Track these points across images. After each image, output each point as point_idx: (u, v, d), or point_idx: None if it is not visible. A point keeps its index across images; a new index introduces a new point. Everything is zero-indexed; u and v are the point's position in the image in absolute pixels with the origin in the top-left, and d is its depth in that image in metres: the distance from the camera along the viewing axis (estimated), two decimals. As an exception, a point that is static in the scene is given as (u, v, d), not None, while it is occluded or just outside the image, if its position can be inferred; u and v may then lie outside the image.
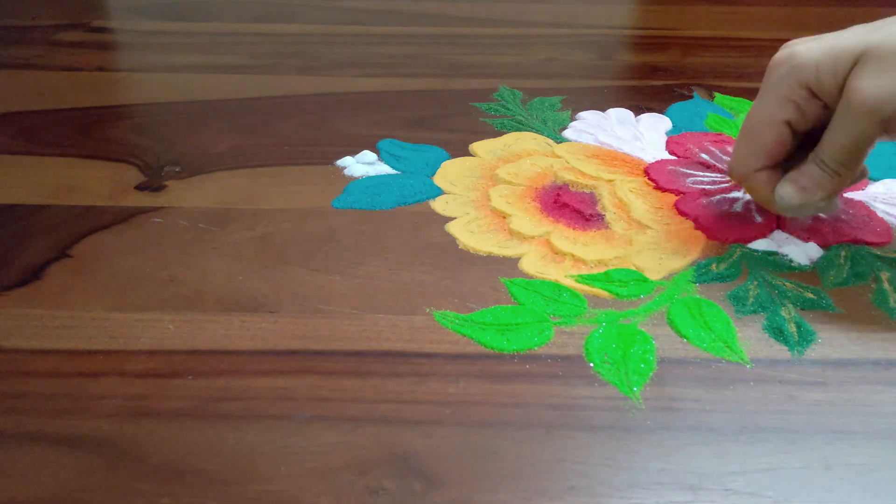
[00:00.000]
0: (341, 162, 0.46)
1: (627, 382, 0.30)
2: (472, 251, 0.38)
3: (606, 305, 0.34)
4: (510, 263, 0.37)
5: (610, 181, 0.44)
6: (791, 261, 0.37)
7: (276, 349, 0.31)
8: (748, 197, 0.42)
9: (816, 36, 0.35)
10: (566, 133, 0.50)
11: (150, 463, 0.26)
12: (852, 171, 0.35)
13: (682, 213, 0.41)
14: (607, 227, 0.40)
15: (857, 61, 0.33)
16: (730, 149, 0.48)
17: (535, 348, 0.32)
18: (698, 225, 0.40)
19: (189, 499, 0.25)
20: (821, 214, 0.40)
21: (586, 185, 0.43)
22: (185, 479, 0.26)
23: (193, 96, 0.56)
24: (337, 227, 0.40)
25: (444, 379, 0.30)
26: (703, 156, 0.47)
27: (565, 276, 0.36)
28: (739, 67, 0.62)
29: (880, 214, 0.41)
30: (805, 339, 0.32)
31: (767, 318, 0.34)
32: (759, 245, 0.38)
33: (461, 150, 0.48)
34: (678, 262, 0.37)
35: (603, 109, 0.53)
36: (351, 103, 0.55)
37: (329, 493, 0.25)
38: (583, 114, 0.53)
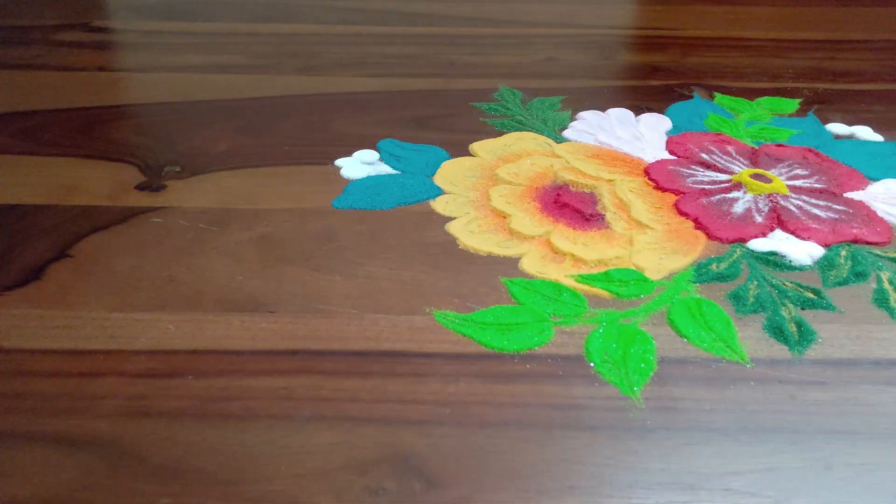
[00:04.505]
0: (341, 162, 0.46)
1: (627, 382, 0.30)
2: (472, 251, 0.38)
3: (606, 305, 0.34)
4: (510, 263, 0.37)
5: (610, 181, 0.44)
6: (791, 260, 0.37)
7: (276, 349, 0.31)
8: (748, 196, 0.42)
9: None
10: (566, 133, 0.50)
11: (150, 463, 0.26)
12: None
13: (682, 213, 0.41)
14: (607, 227, 0.40)
15: None
16: (729, 148, 0.48)
17: (535, 348, 0.32)
18: (698, 225, 0.40)
19: (189, 499, 0.25)
20: None
21: (586, 185, 0.43)
22: (185, 479, 0.26)
23: (193, 96, 0.56)
24: (337, 227, 0.40)
25: (444, 379, 0.30)
26: (703, 156, 0.47)
27: (565, 276, 0.36)
28: (739, 67, 0.62)
29: (880, 214, 0.41)
30: (805, 339, 0.32)
31: (767, 318, 0.33)
32: (759, 245, 0.38)
33: (461, 150, 0.48)
34: (678, 262, 0.37)
35: (603, 109, 0.53)
36: (351, 103, 0.55)
37: (329, 493, 0.25)
38: (583, 114, 0.53)
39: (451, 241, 0.39)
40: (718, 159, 0.46)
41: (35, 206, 0.41)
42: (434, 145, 0.48)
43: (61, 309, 0.34)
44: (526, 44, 0.67)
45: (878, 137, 0.51)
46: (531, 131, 0.50)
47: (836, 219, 0.40)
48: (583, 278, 0.36)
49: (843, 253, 0.38)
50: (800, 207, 0.41)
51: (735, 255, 0.38)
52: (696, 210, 0.41)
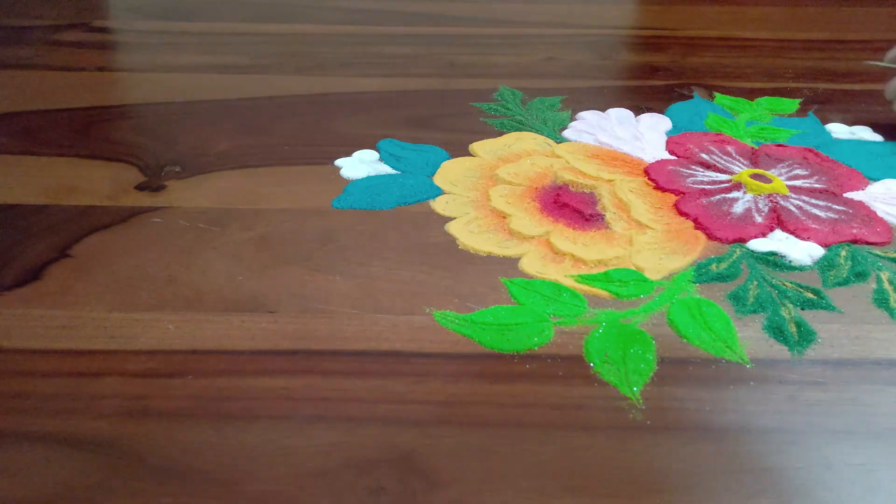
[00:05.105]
0: (341, 162, 0.46)
1: (627, 382, 0.30)
2: (472, 251, 0.38)
3: (606, 305, 0.34)
4: (510, 263, 0.37)
5: (610, 181, 0.44)
6: (791, 261, 0.37)
7: (276, 349, 0.31)
8: (748, 197, 0.42)
9: None
10: (566, 133, 0.50)
11: (150, 463, 0.26)
12: None
13: (682, 213, 0.41)
14: (607, 227, 0.40)
15: None
16: (729, 148, 0.48)
17: (535, 348, 0.32)
18: (698, 225, 0.40)
19: (189, 499, 0.25)
20: None
21: (586, 185, 0.43)
22: (185, 479, 0.26)
23: (193, 96, 0.56)
24: (337, 227, 0.40)
25: (444, 379, 0.30)
26: (703, 156, 0.47)
27: (565, 276, 0.36)
28: (739, 67, 0.62)
29: (880, 214, 0.41)
30: (805, 339, 0.32)
31: (767, 318, 0.34)
32: (759, 245, 0.38)
33: (461, 150, 0.48)
34: (678, 262, 0.37)
35: (603, 109, 0.53)
36: (351, 103, 0.55)
37: (329, 493, 0.25)
38: (583, 114, 0.53)
39: (451, 241, 0.39)
40: (718, 159, 0.46)
41: (35, 206, 0.41)
42: (434, 145, 0.48)
43: (61, 309, 0.34)
44: (526, 44, 0.67)
45: (878, 137, 0.51)
46: (531, 131, 0.50)
47: (835, 219, 0.40)
48: (583, 278, 0.36)
49: (843, 253, 0.38)
50: (800, 207, 0.41)
51: (735, 256, 0.38)
52: (696, 210, 0.41)
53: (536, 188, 0.43)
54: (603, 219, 0.40)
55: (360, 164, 0.46)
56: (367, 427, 0.28)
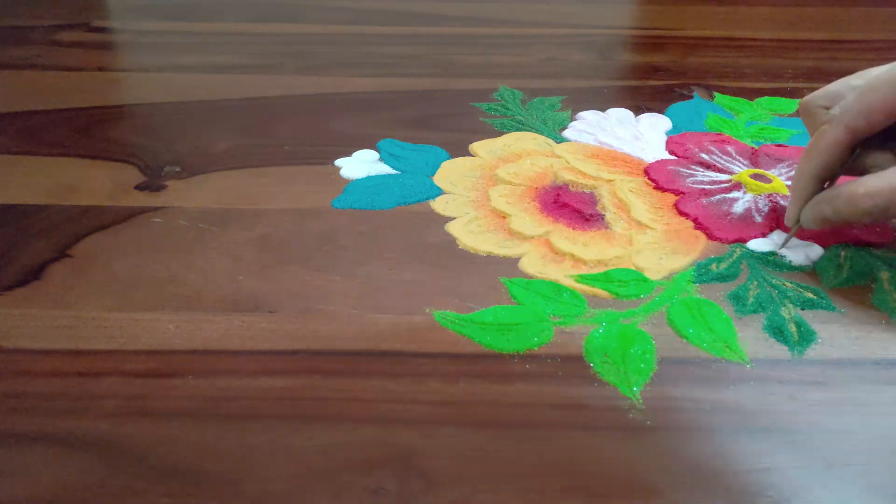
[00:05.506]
0: (341, 162, 0.46)
1: (627, 382, 0.30)
2: (472, 251, 0.38)
3: (606, 305, 0.34)
4: (510, 263, 0.37)
5: (610, 181, 0.44)
6: (791, 261, 0.37)
7: (276, 349, 0.31)
8: (748, 196, 0.42)
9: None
10: (566, 133, 0.50)
11: (150, 463, 0.26)
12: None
13: (682, 213, 0.41)
14: (607, 227, 0.40)
15: None
16: (729, 148, 0.48)
17: (535, 348, 0.32)
18: (698, 225, 0.40)
19: (189, 499, 0.25)
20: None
21: (586, 185, 0.43)
22: (185, 479, 0.26)
23: (193, 96, 0.56)
24: (337, 227, 0.40)
25: (444, 379, 0.30)
26: (703, 156, 0.47)
27: (565, 276, 0.36)
28: (739, 67, 0.62)
29: (880, 214, 0.41)
30: (805, 339, 0.32)
31: (767, 318, 0.33)
32: (759, 245, 0.38)
33: (461, 150, 0.48)
34: (678, 262, 0.37)
35: (603, 109, 0.53)
36: (351, 103, 0.55)
37: (329, 493, 0.25)
38: (583, 114, 0.53)
39: (451, 241, 0.39)
40: (718, 159, 0.46)
41: (35, 206, 0.41)
42: (434, 145, 0.48)
43: (61, 309, 0.34)
44: (526, 44, 0.67)
45: (878, 137, 0.51)
46: (531, 131, 0.50)
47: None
48: (583, 278, 0.36)
49: (843, 253, 0.38)
50: (800, 207, 0.41)
51: (735, 256, 0.38)
52: (696, 210, 0.41)
53: (536, 188, 0.43)
54: (603, 219, 0.40)
55: (359, 164, 0.46)
56: (367, 427, 0.28)
